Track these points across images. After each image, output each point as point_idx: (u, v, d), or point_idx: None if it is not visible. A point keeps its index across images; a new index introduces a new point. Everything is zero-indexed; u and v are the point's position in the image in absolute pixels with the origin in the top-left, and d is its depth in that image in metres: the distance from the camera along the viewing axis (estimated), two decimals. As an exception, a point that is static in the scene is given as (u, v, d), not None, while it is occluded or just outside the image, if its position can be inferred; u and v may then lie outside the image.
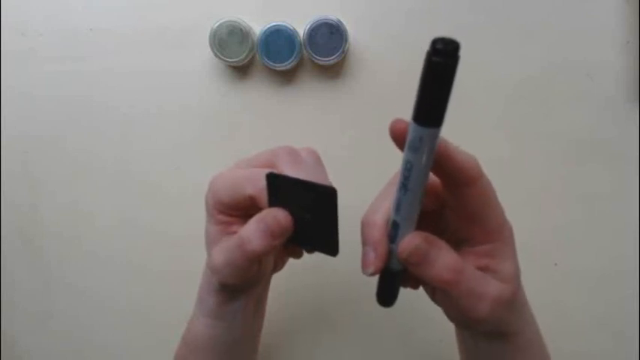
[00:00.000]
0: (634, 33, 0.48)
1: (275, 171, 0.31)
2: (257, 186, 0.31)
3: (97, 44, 0.52)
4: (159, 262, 0.54)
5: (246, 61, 0.49)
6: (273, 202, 0.31)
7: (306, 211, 0.31)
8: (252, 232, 0.31)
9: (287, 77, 0.51)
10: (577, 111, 0.49)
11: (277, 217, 0.31)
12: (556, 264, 0.51)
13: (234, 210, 0.33)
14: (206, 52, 0.48)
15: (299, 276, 0.52)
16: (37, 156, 0.54)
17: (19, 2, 0.52)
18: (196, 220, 0.54)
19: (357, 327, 0.53)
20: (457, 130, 0.50)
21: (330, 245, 0.32)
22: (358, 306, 0.53)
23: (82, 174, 0.54)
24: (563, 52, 0.49)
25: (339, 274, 0.52)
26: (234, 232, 0.33)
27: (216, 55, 0.48)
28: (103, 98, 0.53)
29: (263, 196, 0.31)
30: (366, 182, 0.51)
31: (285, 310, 0.53)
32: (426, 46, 0.23)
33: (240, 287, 0.36)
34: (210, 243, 0.34)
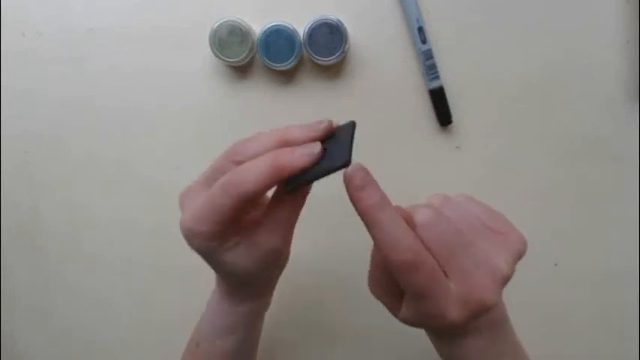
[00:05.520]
0: (634, 33, 0.48)
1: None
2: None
3: (97, 44, 0.52)
4: (159, 262, 0.54)
5: (246, 61, 0.49)
6: None
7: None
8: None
9: (287, 77, 0.51)
10: (577, 111, 0.49)
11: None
12: (556, 264, 0.51)
13: None
14: (206, 52, 0.48)
15: (297, 276, 0.52)
16: (37, 156, 0.54)
17: (19, 2, 0.52)
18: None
19: (355, 328, 0.54)
20: (457, 130, 0.50)
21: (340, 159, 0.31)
22: (355, 308, 0.53)
23: (83, 174, 0.54)
24: (563, 52, 0.49)
25: (336, 276, 0.52)
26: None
27: (216, 55, 0.48)
28: (103, 98, 0.53)
29: None
30: (366, 182, 0.51)
31: (283, 311, 0.53)
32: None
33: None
34: None
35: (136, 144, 0.53)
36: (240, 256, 0.33)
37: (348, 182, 0.30)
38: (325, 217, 0.50)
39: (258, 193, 0.30)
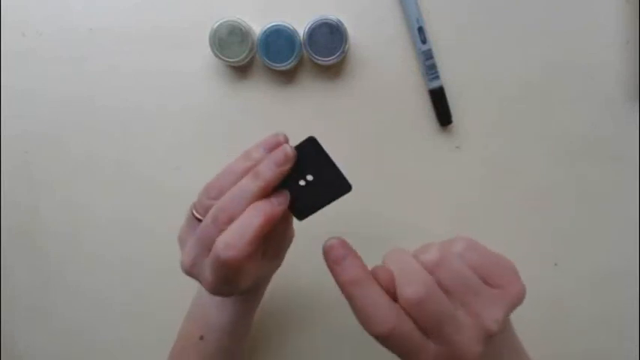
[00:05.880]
0: (634, 33, 0.48)
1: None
2: None
3: (97, 44, 0.52)
4: (159, 262, 0.54)
5: (246, 61, 0.49)
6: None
7: (310, 176, 0.34)
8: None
9: (287, 77, 0.51)
10: (577, 111, 0.49)
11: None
12: (556, 264, 0.51)
13: None
14: (206, 52, 0.48)
15: (290, 275, 0.52)
16: (37, 156, 0.54)
17: (19, 2, 0.52)
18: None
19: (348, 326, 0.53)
20: (457, 130, 0.50)
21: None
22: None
23: (83, 174, 0.54)
24: (563, 52, 0.49)
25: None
26: None
27: (216, 55, 0.48)
28: (103, 98, 0.53)
29: None
30: (365, 182, 0.51)
31: (278, 309, 0.53)
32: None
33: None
34: None
35: (136, 144, 0.53)
36: (253, 279, 0.36)
37: (325, 255, 0.31)
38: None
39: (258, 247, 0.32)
